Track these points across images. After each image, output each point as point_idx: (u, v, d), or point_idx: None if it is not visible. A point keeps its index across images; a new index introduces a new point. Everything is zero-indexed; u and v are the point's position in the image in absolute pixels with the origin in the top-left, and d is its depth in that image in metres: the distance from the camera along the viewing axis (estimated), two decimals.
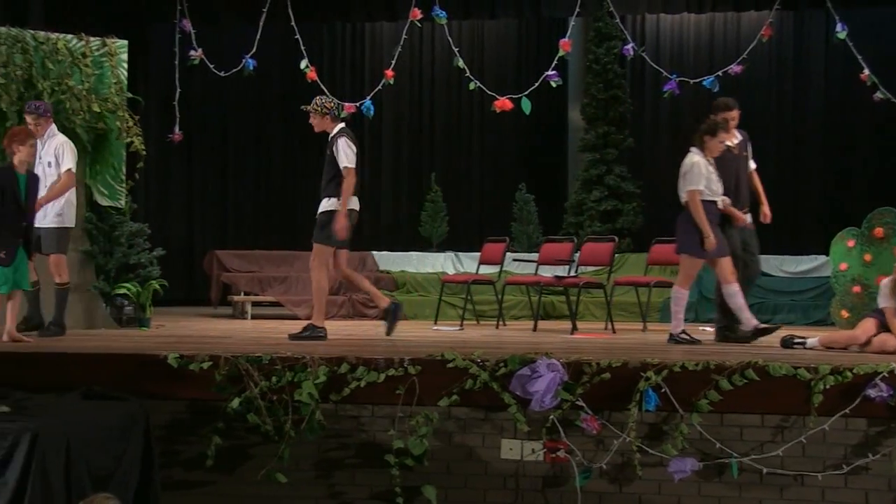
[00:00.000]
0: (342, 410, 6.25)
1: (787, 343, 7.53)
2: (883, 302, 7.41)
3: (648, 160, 15.44)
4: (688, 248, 7.93)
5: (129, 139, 9.43)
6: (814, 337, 7.57)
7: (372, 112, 12.47)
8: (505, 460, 6.20)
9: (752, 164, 8.54)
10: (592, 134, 14.58)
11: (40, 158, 8.16)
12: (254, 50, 12.22)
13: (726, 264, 7.85)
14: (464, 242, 14.13)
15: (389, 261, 13.19)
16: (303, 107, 8.38)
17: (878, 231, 9.78)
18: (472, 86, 12.05)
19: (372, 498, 6.23)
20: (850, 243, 10.04)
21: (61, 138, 8.33)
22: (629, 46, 12.27)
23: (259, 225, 15.37)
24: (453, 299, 11.35)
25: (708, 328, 9.80)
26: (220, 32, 13.36)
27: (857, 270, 9.95)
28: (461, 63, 12.02)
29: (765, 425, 6.01)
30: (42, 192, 7.89)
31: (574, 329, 9.41)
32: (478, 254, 11.44)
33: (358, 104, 12.36)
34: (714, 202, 7.91)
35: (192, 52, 12.37)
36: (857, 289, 9.91)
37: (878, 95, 11.25)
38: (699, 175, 7.81)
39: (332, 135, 8.25)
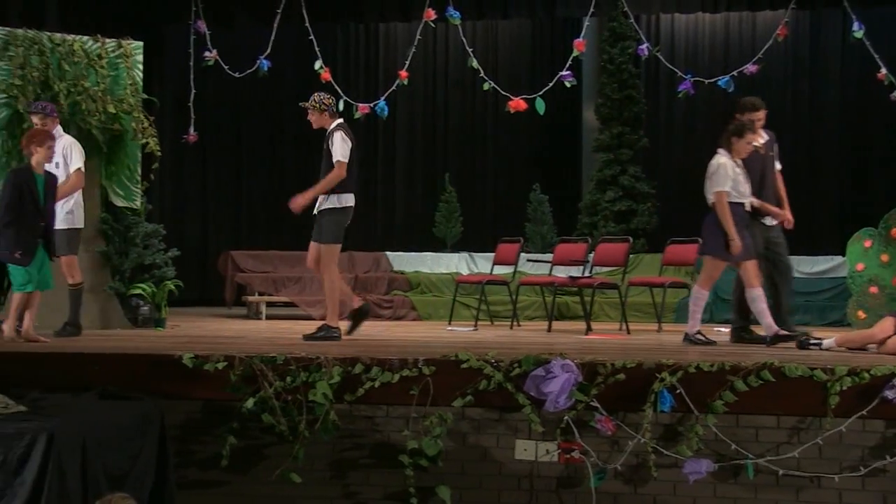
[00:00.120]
0: (356, 411, 6.25)
1: (802, 344, 7.49)
2: None
3: (663, 160, 15.42)
4: (712, 250, 7.88)
5: (144, 140, 9.45)
6: (830, 338, 7.53)
7: (386, 113, 12.46)
8: (519, 461, 6.19)
9: (778, 165, 8.44)
10: (607, 134, 14.56)
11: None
12: (268, 51, 12.24)
13: (751, 268, 7.79)
14: (478, 243, 14.13)
15: (403, 261, 13.20)
16: (301, 103, 8.37)
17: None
18: (486, 86, 12.03)
19: (386, 498, 6.22)
20: (867, 244, 9.99)
21: (68, 139, 8.35)
22: (644, 46, 12.22)
23: (273, 225, 15.37)
24: (467, 300, 11.35)
25: (723, 329, 9.76)
26: (234, 33, 13.37)
27: (874, 271, 9.91)
28: (475, 63, 12.00)
29: (781, 426, 5.98)
30: None
31: (588, 330, 9.40)
32: (492, 254, 11.43)
33: (372, 105, 12.36)
34: (741, 204, 7.85)
35: (207, 53, 12.40)
36: (873, 289, 9.86)
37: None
38: (725, 176, 7.75)
39: (329, 130, 8.23)
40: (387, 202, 16.37)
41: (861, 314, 9.91)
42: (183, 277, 10.10)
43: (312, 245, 8.31)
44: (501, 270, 11.02)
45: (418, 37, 12.18)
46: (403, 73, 12.26)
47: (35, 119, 8.14)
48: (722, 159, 7.83)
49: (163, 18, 13.15)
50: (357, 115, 12.37)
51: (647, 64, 14.64)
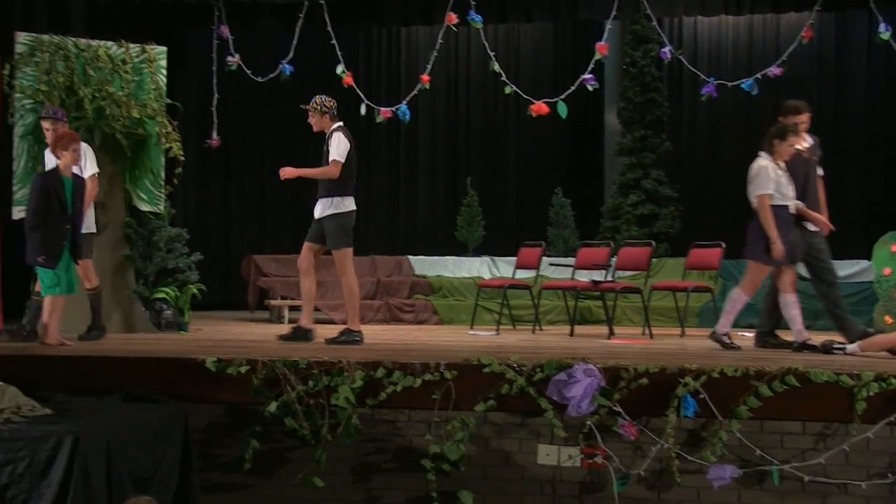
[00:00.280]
0: (378, 415, 6.26)
1: (827, 348, 7.43)
2: None
3: (686, 164, 15.36)
4: (755, 254, 7.77)
5: (167, 145, 9.49)
6: (854, 343, 7.46)
7: (408, 117, 12.47)
8: (542, 466, 6.17)
9: (820, 171, 8.28)
10: (629, 137, 14.52)
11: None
12: (290, 55, 12.28)
13: (789, 273, 7.72)
14: (500, 247, 14.10)
15: (425, 265, 13.20)
16: (302, 106, 8.38)
17: None
18: (507, 90, 12.03)
19: (408, 502, 6.23)
20: (894, 247, 9.91)
21: (82, 144, 8.21)
22: (666, 49, 12.18)
23: (296, 230, 15.34)
24: (489, 304, 11.33)
25: (747, 333, 9.71)
26: (257, 38, 13.43)
27: None
28: (497, 67, 11.99)
29: (806, 432, 5.94)
30: None
31: (611, 334, 9.36)
32: (514, 258, 11.40)
33: (394, 109, 12.37)
34: (786, 206, 7.72)
35: (230, 58, 12.47)
36: None
37: None
38: (767, 179, 7.64)
39: (329, 132, 8.23)
40: (409, 206, 16.37)
41: (888, 319, 9.83)
42: (206, 281, 10.15)
43: (306, 245, 8.30)
44: (523, 274, 11.00)
45: (440, 40, 12.19)
46: (425, 76, 12.26)
47: (46, 124, 8.12)
48: (763, 162, 7.72)
49: (186, 24, 13.23)
50: (379, 119, 12.38)
51: (670, 67, 14.60)
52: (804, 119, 8.12)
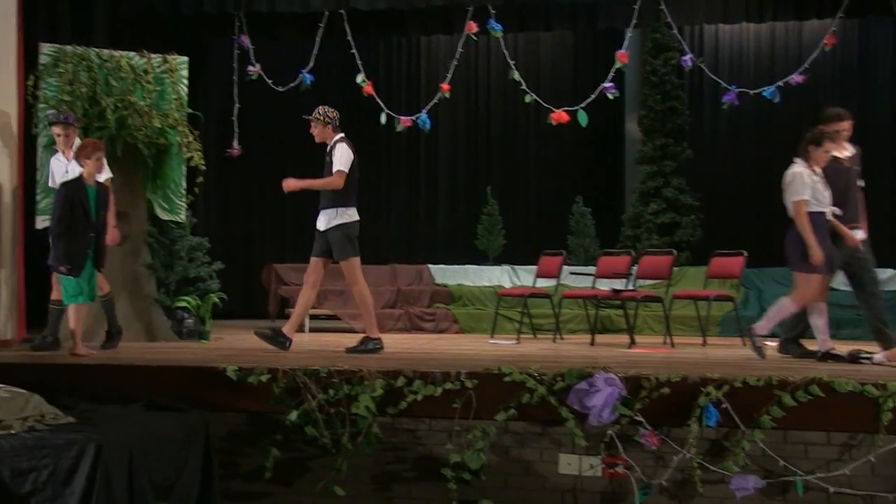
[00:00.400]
0: (399, 424, 6.26)
1: (853, 358, 7.37)
2: None
3: (707, 172, 15.29)
4: (797, 264, 7.62)
5: (189, 154, 9.53)
6: (880, 352, 7.40)
7: (428, 125, 12.51)
8: (563, 475, 6.15)
9: (861, 182, 8.11)
10: (650, 146, 14.49)
11: (67, 172, 8.10)
12: (311, 65, 12.34)
13: (822, 282, 7.65)
14: (520, 255, 14.09)
15: (446, 274, 13.19)
16: (305, 116, 8.39)
17: None
18: (527, 98, 12.04)
19: None
20: None
21: None
22: (687, 57, 12.17)
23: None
24: (510, 313, 11.31)
25: (770, 343, 9.66)
26: (277, 48, 13.50)
27: None
28: (517, 76, 12.02)
29: (831, 443, 5.89)
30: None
31: (632, 343, 9.33)
32: (534, 267, 11.38)
33: (414, 118, 12.41)
34: (822, 213, 7.60)
35: (251, 68, 12.54)
36: None
37: None
38: (802, 185, 7.54)
39: (331, 143, 8.23)
40: (429, 215, 16.39)
41: None
42: (227, 290, 10.18)
43: (315, 260, 8.26)
44: (544, 283, 10.98)
45: (460, 49, 12.23)
46: (445, 85, 12.30)
47: (57, 129, 8.18)
48: (797, 168, 7.63)
49: (207, 34, 13.31)
50: (399, 127, 12.42)
51: (691, 75, 14.58)
52: (846, 126, 7.97)
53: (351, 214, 8.14)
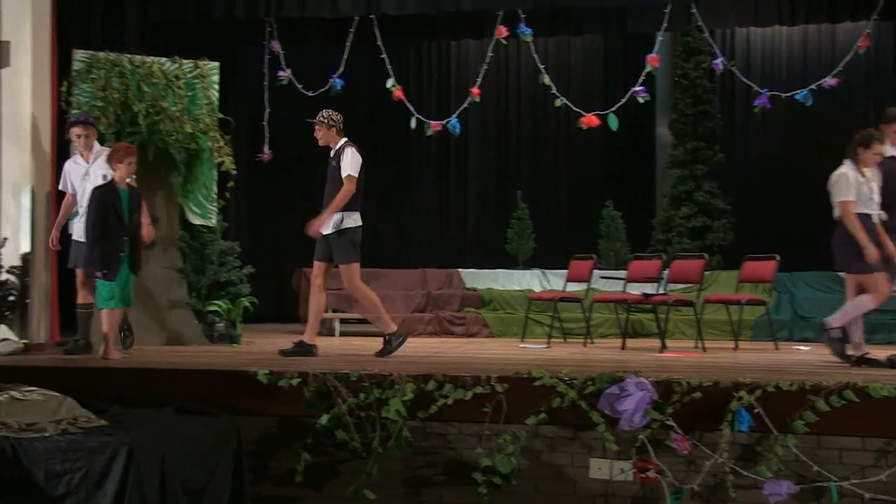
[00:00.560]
0: (429, 428, 6.25)
1: (893, 362, 7.27)
2: None
3: (739, 176, 15.19)
4: (848, 265, 7.54)
5: (220, 159, 9.58)
6: None
7: (458, 130, 12.51)
8: (594, 480, 6.12)
9: None
10: (681, 150, 14.42)
11: (87, 174, 8.13)
12: (341, 70, 12.38)
13: (863, 282, 7.57)
14: (550, 260, 14.04)
15: (476, 278, 13.18)
16: (308, 119, 8.39)
17: None
18: (557, 102, 12.03)
19: None
20: None
21: (104, 148, 8.26)
22: (718, 61, 12.11)
23: None
24: (540, 317, 11.28)
25: (802, 347, 9.60)
26: (307, 53, 13.55)
27: None
28: (547, 80, 12.01)
29: (866, 448, 5.81)
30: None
31: (663, 347, 9.28)
32: (565, 271, 11.34)
33: (444, 122, 12.42)
34: (868, 215, 7.48)
35: (281, 73, 12.61)
36: None
37: None
38: (847, 185, 7.44)
39: (337, 147, 8.23)
40: (459, 219, 16.40)
41: None
42: (258, 294, 10.22)
43: (318, 264, 8.27)
44: (574, 287, 10.95)
45: (490, 54, 12.24)
46: (475, 90, 12.31)
47: (77, 129, 8.17)
48: (843, 169, 7.52)
49: (238, 40, 13.39)
50: (429, 132, 12.45)
51: (722, 78, 14.49)
52: None
53: (355, 219, 8.13)
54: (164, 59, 9.44)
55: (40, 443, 4.91)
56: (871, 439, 5.81)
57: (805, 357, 8.23)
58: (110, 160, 7.68)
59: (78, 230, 8.15)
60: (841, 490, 5.78)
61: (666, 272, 10.40)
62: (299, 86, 12.60)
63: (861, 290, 7.61)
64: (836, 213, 7.55)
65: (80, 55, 9.17)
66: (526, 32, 11.86)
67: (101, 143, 8.54)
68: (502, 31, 11.95)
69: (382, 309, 8.22)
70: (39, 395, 5.44)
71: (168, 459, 5.12)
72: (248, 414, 6.32)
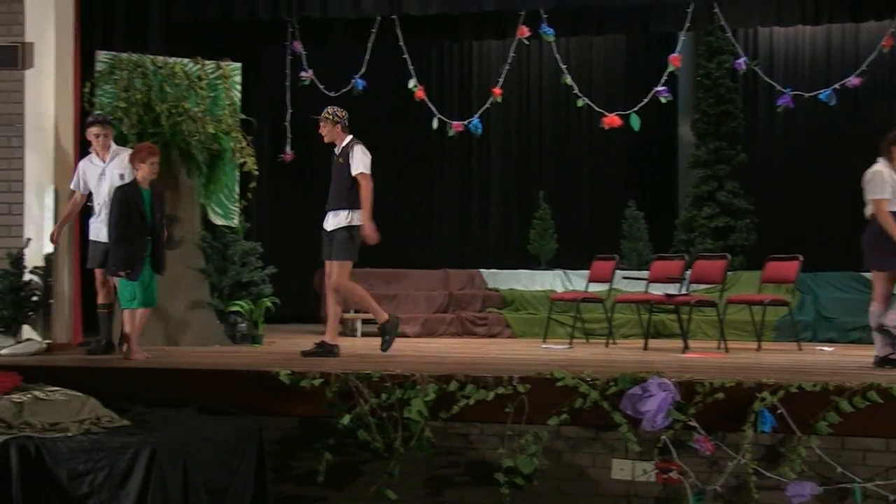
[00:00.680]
0: (451, 428, 6.25)
1: None
2: None
3: (762, 176, 15.12)
4: (876, 263, 7.47)
5: (242, 159, 9.61)
6: None
7: (480, 130, 12.51)
8: (616, 480, 6.10)
9: None
10: (703, 150, 14.34)
11: (104, 174, 8.11)
12: (363, 70, 12.40)
13: (884, 284, 7.48)
14: (573, 260, 14.01)
15: (498, 279, 13.16)
16: (313, 116, 8.40)
17: None
18: (580, 103, 12.01)
19: None
20: None
21: (130, 151, 8.13)
22: (741, 60, 12.06)
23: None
24: (562, 317, 11.26)
25: (826, 347, 9.53)
26: (329, 54, 13.58)
27: None
28: (569, 80, 11.99)
29: (890, 450, 5.77)
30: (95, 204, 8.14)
31: (686, 348, 9.25)
32: (587, 271, 11.33)
33: (466, 122, 12.42)
34: None
35: (303, 73, 12.64)
36: None
37: None
38: (881, 183, 7.36)
39: (343, 144, 8.24)
40: (481, 220, 16.40)
41: None
42: (280, 295, 10.23)
43: (328, 264, 8.28)
44: (596, 288, 10.93)
45: (512, 54, 12.23)
46: (497, 90, 12.30)
47: (96, 129, 8.13)
48: (877, 167, 7.44)
49: (260, 40, 13.44)
50: (451, 132, 12.45)
51: (745, 78, 14.40)
52: None
53: (359, 217, 8.13)
54: (186, 60, 9.48)
55: (63, 443, 4.93)
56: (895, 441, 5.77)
57: (828, 358, 8.18)
58: (133, 160, 7.71)
59: (94, 230, 8.18)
60: (865, 491, 5.74)
61: (688, 272, 10.36)
62: (321, 86, 12.62)
63: (890, 288, 7.55)
64: (869, 210, 7.48)
65: (102, 56, 9.22)
66: (548, 32, 11.84)
67: (124, 143, 8.57)
68: (524, 31, 11.93)
69: (372, 300, 8.27)
70: (62, 395, 5.46)
71: (191, 459, 5.13)
72: (271, 414, 6.33)
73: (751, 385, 5.88)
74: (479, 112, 12.50)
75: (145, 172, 7.65)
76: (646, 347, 9.57)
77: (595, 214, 16.10)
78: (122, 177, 7.99)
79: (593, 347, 9.92)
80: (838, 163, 14.02)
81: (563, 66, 12.02)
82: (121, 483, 4.86)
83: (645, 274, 10.90)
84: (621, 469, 6.09)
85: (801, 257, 9.98)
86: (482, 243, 16.14)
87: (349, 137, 8.26)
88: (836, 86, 11.61)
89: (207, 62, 9.58)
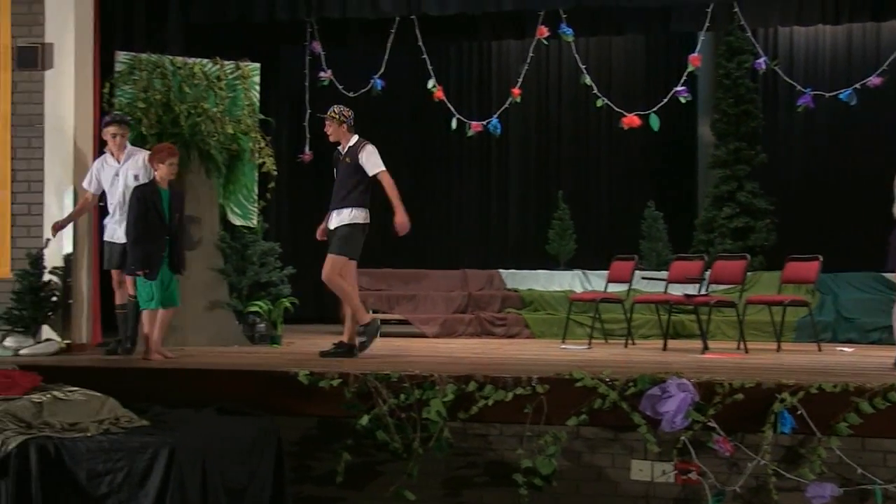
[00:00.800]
0: (470, 429, 6.25)
1: None
2: None
3: (782, 176, 15.03)
4: None
5: (261, 160, 9.64)
6: None
7: (499, 130, 12.51)
8: (635, 481, 6.09)
9: None
10: (723, 150, 14.28)
11: (118, 174, 8.09)
12: (382, 70, 12.40)
13: None
14: (592, 260, 13.95)
15: (517, 279, 13.13)
16: (319, 114, 8.40)
17: None
18: (599, 103, 11.98)
19: None
20: None
21: (145, 153, 8.18)
22: (761, 60, 12.01)
23: (387, 243, 15.47)
24: (581, 318, 11.23)
25: (846, 348, 9.47)
26: (348, 54, 13.59)
27: None
28: (588, 80, 11.96)
29: None
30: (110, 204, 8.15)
31: (705, 349, 9.21)
32: (606, 272, 11.29)
33: (485, 122, 12.41)
34: None
35: (322, 73, 12.66)
36: None
37: None
38: None
39: (351, 144, 8.22)
40: (500, 220, 16.37)
41: None
42: (298, 295, 10.25)
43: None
44: (615, 288, 10.89)
45: (531, 54, 12.20)
46: (516, 90, 12.29)
47: (113, 129, 8.10)
48: None
49: (279, 40, 13.46)
50: (470, 132, 12.44)
51: (765, 78, 14.33)
52: None
53: (365, 217, 8.20)
54: (205, 61, 9.50)
55: (83, 442, 4.95)
56: None
57: (849, 358, 8.13)
58: (151, 160, 7.74)
59: (110, 231, 8.20)
60: (886, 493, 5.71)
61: (708, 273, 10.32)
62: (340, 86, 12.63)
63: None
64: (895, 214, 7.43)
65: (122, 57, 9.26)
66: (567, 32, 11.81)
67: (143, 144, 8.61)
68: (543, 32, 11.91)
69: (357, 300, 8.29)
70: (81, 395, 5.49)
71: (209, 459, 5.14)
72: (289, 414, 6.34)
73: (770, 386, 5.85)
74: (498, 112, 12.48)
75: (164, 173, 7.67)
76: (665, 348, 9.54)
77: (614, 215, 16.04)
78: (136, 178, 8.00)
79: (612, 348, 9.89)
80: (859, 163, 13.93)
81: (583, 66, 11.99)
82: (140, 483, 4.88)
83: (664, 274, 10.85)
84: (640, 470, 6.07)
85: (821, 258, 9.92)
86: (501, 243, 16.11)
87: (356, 137, 8.25)
88: (857, 85, 11.53)
89: (226, 62, 9.60)
